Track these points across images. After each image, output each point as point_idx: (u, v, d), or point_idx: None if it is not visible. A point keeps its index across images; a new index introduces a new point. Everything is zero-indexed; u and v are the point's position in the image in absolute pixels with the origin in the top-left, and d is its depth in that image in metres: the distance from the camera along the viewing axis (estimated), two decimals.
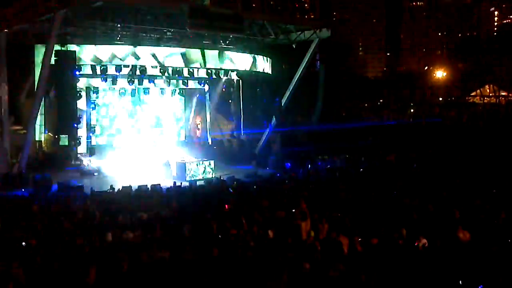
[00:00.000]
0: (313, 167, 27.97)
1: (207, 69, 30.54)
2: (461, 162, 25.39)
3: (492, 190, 16.19)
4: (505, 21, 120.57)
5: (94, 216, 13.90)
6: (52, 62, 23.67)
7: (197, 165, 26.57)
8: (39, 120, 27.02)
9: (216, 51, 30.13)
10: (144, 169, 27.00)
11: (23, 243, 10.70)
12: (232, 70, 31.81)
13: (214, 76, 31.33)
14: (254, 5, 28.63)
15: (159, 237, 11.26)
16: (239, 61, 31.29)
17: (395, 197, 15.98)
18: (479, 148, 30.08)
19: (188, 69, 29.97)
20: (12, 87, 26.17)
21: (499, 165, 23.01)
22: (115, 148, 30.21)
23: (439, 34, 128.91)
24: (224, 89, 35.39)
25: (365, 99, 73.48)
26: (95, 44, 26.84)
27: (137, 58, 27.46)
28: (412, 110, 65.78)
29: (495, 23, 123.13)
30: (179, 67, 29.31)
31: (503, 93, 74.97)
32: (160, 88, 32.81)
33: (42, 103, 25.45)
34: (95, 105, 30.63)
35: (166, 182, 22.83)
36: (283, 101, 33.11)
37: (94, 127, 30.64)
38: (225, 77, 32.70)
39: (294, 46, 32.11)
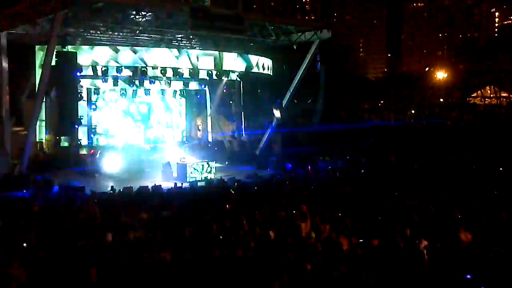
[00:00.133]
0: (314, 168, 27.95)
1: (208, 70, 30.58)
2: (462, 163, 25.37)
3: (494, 191, 16.17)
4: (505, 22, 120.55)
5: (95, 217, 13.90)
6: (53, 63, 23.67)
7: (197, 166, 26.57)
8: (40, 121, 27.03)
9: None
10: (145, 170, 27.03)
11: (24, 244, 10.71)
12: (233, 71, 31.84)
13: (214, 77, 31.35)
14: (255, 6, 28.69)
15: (160, 238, 11.25)
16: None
17: (396, 198, 15.97)
18: (480, 149, 30.06)
19: (189, 70, 29.98)
20: (13, 88, 26.18)
21: (500, 166, 23.00)
22: (116, 149, 30.19)
23: (440, 35, 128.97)
24: (225, 90, 35.40)
25: (365, 100, 73.45)
26: (96, 45, 26.88)
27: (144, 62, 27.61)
28: (412, 111, 65.74)
29: (496, 24, 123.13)
30: (179, 68, 29.33)
31: (504, 94, 74.92)
32: (161, 89, 32.82)
33: (43, 104, 25.46)
34: (96, 106, 30.64)
35: (167, 183, 22.83)
36: (284, 102, 33.12)
37: (95, 128, 30.65)
38: (226, 78, 32.71)
39: (294, 47, 32.14)
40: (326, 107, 34.63)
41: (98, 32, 26.83)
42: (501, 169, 22.32)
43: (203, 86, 34.65)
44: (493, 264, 8.56)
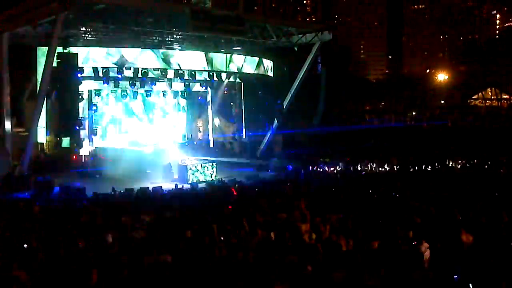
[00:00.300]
0: (315, 170, 27.95)
1: (209, 71, 30.60)
2: (463, 165, 25.39)
3: (494, 192, 16.17)
4: (506, 24, 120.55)
5: (96, 218, 13.89)
6: (54, 64, 23.68)
7: (198, 167, 26.58)
8: (41, 122, 27.03)
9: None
10: (146, 171, 27.00)
11: (25, 245, 10.70)
12: (234, 73, 31.86)
13: (216, 79, 31.36)
14: (256, 7, 28.66)
15: (161, 239, 11.24)
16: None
17: (397, 199, 15.96)
18: (481, 151, 30.04)
19: (190, 72, 30.00)
20: (14, 89, 26.18)
21: (500, 167, 23.00)
22: (117, 150, 30.16)
23: (441, 37, 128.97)
24: (226, 92, 35.41)
25: (366, 101, 73.49)
26: (97, 47, 26.91)
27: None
28: (413, 113, 65.76)
29: (497, 26, 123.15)
30: (181, 70, 29.35)
31: (505, 96, 74.91)
32: (162, 91, 32.83)
33: (44, 105, 25.47)
34: (97, 108, 30.64)
35: (168, 185, 22.83)
36: (285, 103, 33.14)
37: (96, 129, 30.65)
38: (227, 80, 32.72)
39: (295, 48, 32.15)
40: (327, 108, 34.64)
41: (99, 34, 26.85)
42: (501, 171, 22.33)
43: (204, 88, 34.64)
44: (495, 266, 8.55)
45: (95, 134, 30.58)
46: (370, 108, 73.70)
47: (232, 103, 36.07)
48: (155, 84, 30.33)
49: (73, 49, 25.16)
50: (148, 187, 21.24)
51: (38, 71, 26.38)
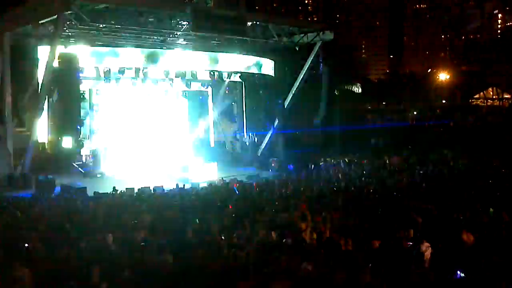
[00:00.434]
0: (316, 169, 27.95)
1: (210, 71, 30.60)
2: (465, 164, 25.35)
3: (496, 192, 16.14)
4: (508, 24, 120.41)
5: (97, 218, 13.90)
6: (55, 64, 23.72)
7: (199, 167, 26.59)
8: (42, 122, 27.07)
9: None
10: (146, 171, 27.03)
11: (26, 245, 10.71)
12: (235, 72, 31.86)
13: (216, 78, 31.35)
14: (257, 7, 28.66)
15: (162, 239, 11.24)
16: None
17: (398, 199, 15.95)
18: (483, 150, 30.01)
19: (191, 71, 30.01)
20: (15, 89, 26.23)
21: (502, 167, 22.96)
22: (118, 150, 30.19)
23: (442, 36, 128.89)
24: (227, 91, 35.41)
25: (368, 101, 73.46)
26: (98, 47, 26.93)
27: None
28: (415, 112, 65.72)
29: (499, 26, 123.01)
30: (182, 69, 29.35)
31: (506, 96, 74.87)
32: (164, 91, 32.80)
33: (45, 105, 25.51)
34: (98, 107, 30.64)
35: (169, 184, 22.84)
36: (286, 103, 33.14)
37: (97, 129, 30.66)
38: (228, 79, 32.72)
39: (297, 48, 32.16)
40: (328, 108, 34.65)
41: (101, 34, 26.87)
42: (503, 170, 22.28)
43: (205, 87, 34.63)
44: (496, 266, 8.54)
45: (96, 133, 30.58)
46: (371, 107, 73.65)
47: (233, 103, 36.07)
48: (156, 84, 30.32)
49: (74, 49, 25.21)
50: (149, 187, 21.26)
51: (39, 71, 26.40)
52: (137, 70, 27.94)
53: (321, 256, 9.47)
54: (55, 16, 23.09)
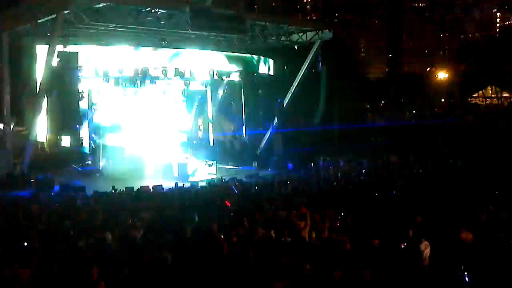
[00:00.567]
0: (315, 168, 27.97)
1: (209, 70, 30.57)
2: (464, 163, 25.39)
3: (495, 190, 16.18)
4: (507, 23, 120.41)
5: (96, 216, 13.90)
6: (54, 63, 23.69)
7: (198, 165, 26.57)
8: (41, 121, 27.04)
9: None
10: (146, 169, 27.03)
11: (25, 244, 10.71)
12: (234, 71, 31.84)
13: (216, 77, 31.32)
14: (256, 6, 28.66)
15: (161, 237, 11.25)
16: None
17: (397, 198, 15.97)
18: (481, 149, 30.05)
19: (190, 70, 29.99)
20: (14, 88, 26.19)
21: (501, 166, 23.00)
22: (117, 148, 30.17)
23: (441, 35, 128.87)
24: (226, 90, 35.38)
25: (367, 100, 73.35)
26: (97, 45, 26.90)
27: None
28: (414, 111, 65.71)
29: (498, 25, 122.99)
30: (181, 68, 29.33)
31: (505, 95, 74.86)
32: (163, 90, 32.77)
33: (45, 104, 25.48)
34: (97, 106, 30.58)
35: (168, 183, 22.84)
36: (285, 102, 33.13)
37: (96, 128, 30.61)
38: (227, 78, 32.69)
39: (296, 47, 32.15)
40: (327, 107, 34.65)
41: (100, 33, 26.84)
42: (502, 169, 22.32)
43: (204, 87, 34.61)
44: (494, 264, 8.56)
45: (95, 133, 30.54)
46: (370, 106, 73.58)
47: (232, 102, 36.04)
48: (155, 83, 30.28)
49: (73, 48, 25.17)
50: (148, 186, 21.27)
51: (38, 70, 26.37)
52: (136, 70, 27.90)
53: (320, 255, 9.48)
54: (54, 15, 23.06)
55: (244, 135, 35.58)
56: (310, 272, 8.29)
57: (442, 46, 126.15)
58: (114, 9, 24.05)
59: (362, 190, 17.90)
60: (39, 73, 25.13)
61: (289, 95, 32.98)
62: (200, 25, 25.06)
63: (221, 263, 9.08)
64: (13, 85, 25.68)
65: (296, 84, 32.78)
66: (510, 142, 32.13)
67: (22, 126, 27.83)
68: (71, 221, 12.99)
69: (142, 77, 28.63)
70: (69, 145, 27.16)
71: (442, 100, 74.84)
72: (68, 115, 24.57)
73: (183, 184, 22.20)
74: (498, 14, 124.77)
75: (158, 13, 24.95)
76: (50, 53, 23.33)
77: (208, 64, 30.62)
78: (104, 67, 27.26)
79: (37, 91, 24.65)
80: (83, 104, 28.18)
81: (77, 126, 25.65)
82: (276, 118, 33.15)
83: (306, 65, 32.31)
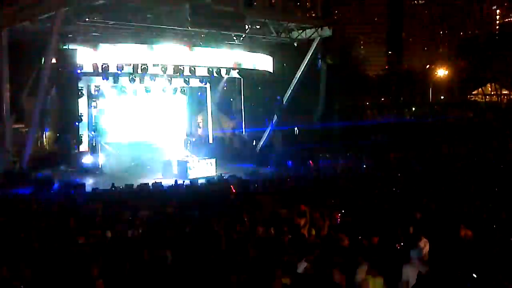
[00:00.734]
0: (315, 165, 27.96)
1: (209, 67, 30.52)
2: (463, 160, 25.38)
3: (494, 188, 16.19)
4: (506, 20, 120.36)
5: (95, 214, 13.90)
6: (54, 60, 23.66)
7: (198, 163, 26.57)
8: (41, 118, 27.01)
9: None
10: (146, 167, 27.03)
11: (25, 241, 10.71)
12: (234, 69, 31.79)
13: (215, 74, 31.27)
14: (255, 3, 28.57)
15: (161, 235, 11.25)
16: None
17: (397, 195, 15.98)
18: (481, 146, 30.05)
19: (190, 67, 29.92)
20: (14, 86, 26.14)
21: (500, 163, 23.00)
22: (117, 146, 30.17)
23: (441, 32, 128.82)
24: (225, 87, 35.35)
25: (366, 97, 73.37)
26: (96, 43, 26.81)
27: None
28: (413, 109, 65.69)
29: (497, 22, 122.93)
30: (180, 65, 29.26)
31: (505, 92, 74.79)
32: (162, 87, 32.72)
33: (44, 101, 25.44)
34: (96, 104, 30.55)
35: (168, 181, 22.84)
36: (285, 99, 33.11)
37: (96, 125, 30.59)
38: (227, 75, 32.64)
39: (295, 44, 32.11)
40: (327, 104, 34.63)
41: (99, 30, 26.78)
42: (501, 166, 22.33)
43: (203, 83, 34.55)
44: (494, 262, 8.56)
45: (95, 131, 30.52)
46: (370, 103, 73.56)
47: (232, 99, 36.02)
48: (154, 80, 30.23)
49: (72, 45, 25.15)
50: (147, 183, 21.28)
51: (37, 67, 26.32)
52: (135, 67, 27.86)
53: (320, 252, 9.48)
54: (53, 13, 23.02)
55: (244, 133, 35.56)
56: (309, 269, 8.29)
57: (442, 43, 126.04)
58: (113, 6, 24.01)
59: (362, 187, 17.90)
60: (39, 70, 25.09)
61: (288, 92, 32.95)
62: (199, 22, 25.03)
63: (221, 260, 9.08)
64: (12, 83, 25.63)
65: (296, 81, 32.75)
66: (509, 139, 32.14)
67: (22, 123, 27.83)
68: (71, 219, 12.99)
69: (142, 74, 28.57)
70: (68, 142, 27.13)
71: (442, 97, 74.78)
72: (68, 112, 24.54)
73: (183, 182, 22.20)
74: (498, 11, 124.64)
75: (158, 10, 24.91)
76: (49, 51, 23.29)
77: (208, 61, 30.55)
78: (103, 64, 27.19)
79: (37, 89, 24.61)
80: (82, 102, 28.18)
81: (77, 123, 25.62)
82: (275, 115, 33.13)
83: (306, 62, 32.28)
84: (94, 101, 30.29)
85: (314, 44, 31.68)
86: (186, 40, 29.66)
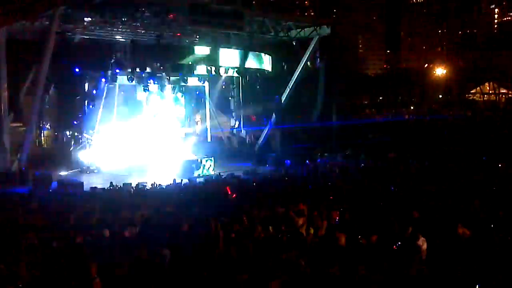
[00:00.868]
0: (313, 164, 27.96)
1: (207, 66, 30.52)
2: (461, 159, 25.40)
3: (492, 186, 16.19)
4: (505, 19, 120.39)
5: (94, 213, 13.88)
6: (52, 58, 23.65)
7: (196, 162, 26.55)
8: (39, 117, 27.01)
9: None
10: (144, 166, 26.98)
11: (23, 240, 10.69)
12: (232, 68, 31.80)
13: (213, 73, 31.26)
14: (254, 2, 28.62)
15: (159, 234, 11.24)
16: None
17: (395, 194, 15.98)
18: (479, 145, 30.07)
19: (188, 66, 29.94)
20: (12, 84, 26.13)
21: (499, 162, 23.02)
22: (115, 145, 30.11)
23: (439, 31, 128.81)
24: (224, 86, 35.33)
25: (365, 96, 73.43)
26: (95, 41, 26.85)
27: None
28: (412, 108, 65.75)
29: (495, 21, 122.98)
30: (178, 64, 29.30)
31: (503, 91, 74.85)
32: (160, 85, 32.66)
33: (42, 100, 25.45)
34: (95, 102, 30.50)
35: (166, 179, 22.82)
36: (283, 98, 33.10)
37: (94, 123, 30.54)
38: (225, 74, 32.64)
39: (294, 43, 32.12)
40: (325, 103, 34.64)
41: (97, 28, 26.77)
42: (500, 165, 22.34)
43: (202, 82, 34.53)
44: (492, 261, 8.57)
45: (93, 129, 30.48)
46: (368, 102, 73.63)
47: (230, 98, 36.01)
48: (153, 78, 30.20)
49: (70, 43, 25.13)
50: (146, 182, 21.26)
51: (35, 66, 26.30)
52: (133, 65, 27.85)
53: (319, 251, 9.48)
54: (52, 11, 22.99)
55: (242, 131, 35.56)
56: (306, 268, 8.29)
57: (441, 42, 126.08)
58: (111, 4, 23.99)
59: (360, 186, 17.89)
60: (37, 68, 25.06)
61: (287, 91, 32.95)
62: (198, 21, 25.02)
63: (219, 259, 9.08)
64: (10, 81, 25.62)
65: (294, 80, 32.75)
66: (508, 138, 32.17)
67: (20, 122, 27.82)
68: (69, 218, 12.98)
69: (140, 72, 28.55)
70: (67, 141, 27.14)
71: (440, 96, 74.84)
72: (66, 111, 24.53)
73: (181, 181, 22.19)
74: (496, 10, 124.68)
75: (157, 8, 24.89)
76: (48, 49, 23.27)
77: (206, 60, 30.55)
78: (101, 62, 27.17)
79: (35, 87, 24.59)
80: (81, 100, 28.16)
81: (75, 122, 25.60)
82: (274, 114, 33.13)
83: (304, 61, 32.29)
84: (92, 99, 30.25)
85: (313, 43, 31.68)
86: (184, 39, 29.71)
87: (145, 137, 31.56)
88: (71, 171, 26.18)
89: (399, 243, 10.00)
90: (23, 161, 24.00)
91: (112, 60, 27.73)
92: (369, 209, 13.12)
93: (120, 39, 28.72)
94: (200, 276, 8.30)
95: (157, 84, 31.93)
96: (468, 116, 55.21)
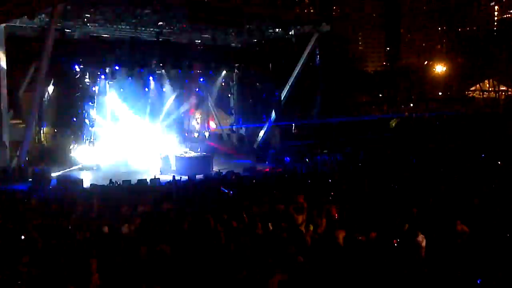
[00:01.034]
0: (312, 161, 27.97)
1: (206, 63, 30.52)
2: (460, 156, 25.41)
3: (492, 184, 16.20)
4: (505, 16, 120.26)
5: (93, 210, 13.90)
6: (52, 55, 23.63)
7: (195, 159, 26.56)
8: (38, 114, 26.98)
9: None
10: (143, 163, 27.01)
11: (23, 237, 10.71)
12: (232, 64, 31.80)
13: (213, 70, 31.27)
14: None
15: (159, 230, 11.26)
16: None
17: (394, 191, 15.99)
18: (479, 143, 30.08)
19: (188, 63, 29.94)
20: (11, 81, 26.12)
21: (498, 159, 23.03)
22: (115, 142, 30.12)
23: (439, 28, 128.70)
24: (223, 83, 35.33)
25: (364, 93, 73.36)
26: (94, 38, 26.83)
27: None
28: (411, 104, 65.71)
29: (495, 18, 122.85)
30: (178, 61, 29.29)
31: (503, 88, 74.80)
32: (160, 82, 32.68)
33: (41, 97, 25.43)
34: (94, 99, 30.48)
35: (166, 176, 22.84)
36: (283, 95, 33.09)
37: (94, 120, 30.54)
38: (225, 71, 32.63)
39: (293, 40, 32.09)
40: (325, 100, 34.63)
41: (97, 25, 26.75)
42: (499, 162, 22.34)
43: (201, 79, 34.53)
44: (491, 257, 8.59)
45: (93, 126, 30.47)
46: (368, 99, 73.55)
47: (229, 95, 36.01)
48: (152, 75, 30.22)
49: (70, 41, 25.11)
50: (145, 179, 21.27)
51: (35, 62, 26.28)
52: (133, 62, 27.85)
53: (318, 248, 9.50)
54: (51, 8, 22.97)
55: (242, 128, 35.56)
56: (305, 265, 8.31)
57: (440, 40, 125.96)
58: (111, 1, 23.98)
59: (360, 183, 17.90)
60: (36, 65, 25.05)
61: (286, 88, 32.94)
62: (197, 18, 25.00)
63: (219, 256, 9.10)
64: (10, 78, 25.61)
65: (294, 77, 32.73)
66: (507, 136, 32.17)
67: (19, 118, 27.80)
68: (68, 215, 13.00)
69: (139, 69, 28.55)
70: (66, 138, 27.12)
71: (440, 93, 74.81)
72: (66, 108, 24.53)
73: (180, 177, 22.20)
74: (496, 7, 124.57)
75: (156, 5, 24.87)
76: (47, 46, 23.25)
77: (206, 57, 30.56)
78: (101, 59, 27.16)
79: (34, 84, 24.58)
80: (80, 97, 28.14)
81: (74, 119, 25.58)
82: (273, 111, 33.12)
83: (304, 58, 32.26)
84: (92, 96, 30.24)
85: (312, 40, 31.66)
86: (184, 36, 29.70)
87: (145, 135, 31.60)
88: (70, 168, 26.15)
89: (398, 240, 10.01)
90: (23, 158, 24.00)
91: (112, 57, 27.71)
92: (368, 206, 13.13)
93: (120, 36, 28.69)
94: (200, 273, 8.31)
95: (157, 81, 32.02)
96: (467, 113, 55.17)
